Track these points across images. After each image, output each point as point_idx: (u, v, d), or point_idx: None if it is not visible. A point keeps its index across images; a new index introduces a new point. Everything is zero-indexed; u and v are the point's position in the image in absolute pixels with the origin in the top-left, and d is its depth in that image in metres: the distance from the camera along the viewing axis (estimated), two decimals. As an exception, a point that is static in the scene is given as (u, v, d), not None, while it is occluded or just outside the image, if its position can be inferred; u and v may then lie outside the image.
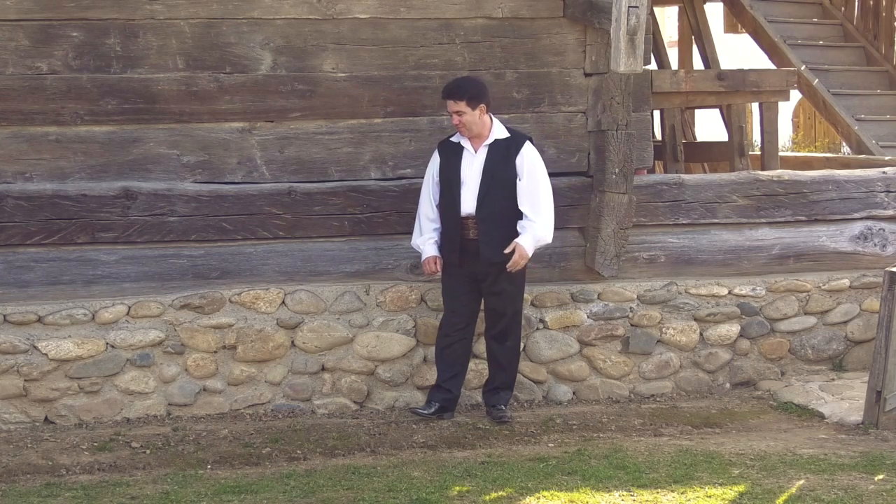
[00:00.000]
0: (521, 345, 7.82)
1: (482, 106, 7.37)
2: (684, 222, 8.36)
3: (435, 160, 7.55)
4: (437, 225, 7.53)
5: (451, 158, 7.49)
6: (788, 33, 11.32)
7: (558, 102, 8.11)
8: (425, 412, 7.53)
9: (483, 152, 7.44)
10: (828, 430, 7.41)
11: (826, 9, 11.81)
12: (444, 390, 7.58)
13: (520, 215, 7.42)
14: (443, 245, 7.51)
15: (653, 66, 10.54)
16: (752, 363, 8.46)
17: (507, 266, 7.37)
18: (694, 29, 12.33)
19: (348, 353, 7.82)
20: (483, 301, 7.60)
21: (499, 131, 7.47)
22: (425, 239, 7.54)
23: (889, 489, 6.18)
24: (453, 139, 7.53)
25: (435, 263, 7.50)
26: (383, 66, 7.83)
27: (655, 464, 6.65)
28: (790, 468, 6.57)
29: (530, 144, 7.50)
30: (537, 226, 7.40)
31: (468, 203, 7.41)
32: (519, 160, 7.41)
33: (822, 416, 7.67)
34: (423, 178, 7.87)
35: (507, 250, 7.37)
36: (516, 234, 7.40)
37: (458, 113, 7.35)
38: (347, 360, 7.80)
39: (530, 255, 7.43)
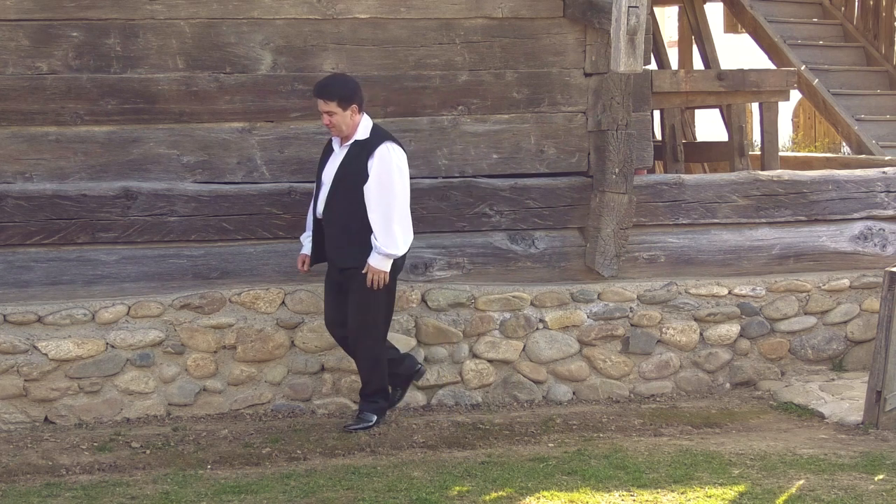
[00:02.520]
0: (379, 356, 7.35)
1: (354, 106, 7.12)
2: (684, 222, 8.36)
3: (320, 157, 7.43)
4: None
5: (323, 159, 7.32)
6: (788, 33, 11.33)
7: (558, 102, 8.11)
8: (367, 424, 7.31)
9: (343, 153, 7.21)
10: (828, 430, 7.41)
11: (826, 9, 11.82)
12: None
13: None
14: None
15: (653, 66, 10.55)
16: (752, 363, 8.47)
17: (367, 284, 7.14)
18: (694, 29, 12.34)
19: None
20: None
21: (362, 132, 7.19)
22: (303, 237, 7.46)
23: (889, 489, 6.18)
24: (333, 139, 7.35)
25: (303, 263, 7.41)
26: (383, 66, 7.84)
27: (655, 464, 6.65)
28: (790, 468, 6.57)
29: (388, 146, 7.12)
30: (380, 244, 7.09)
31: (320, 204, 7.25)
32: (370, 162, 7.09)
33: (822, 416, 7.67)
34: (423, 177, 7.89)
35: (364, 270, 7.12)
36: (365, 239, 7.13)
37: (329, 113, 7.10)
38: (347, 360, 7.78)
39: (386, 269, 7.13)
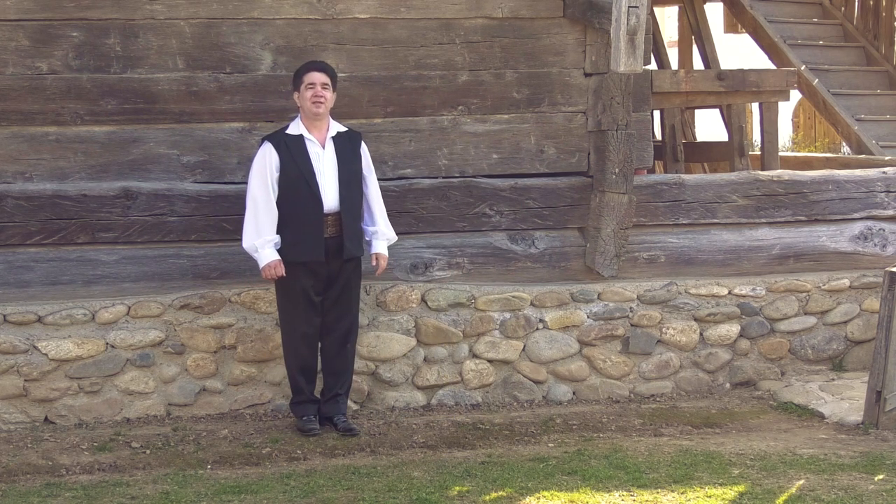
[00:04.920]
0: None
1: (334, 94, 7.27)
2: (684, 222, 8.36)
3: (271, 155, 7.10)
4: (275, 225, 7.10)
5: (295, 152, 7.12)
6: (788, 33, 11.34)
7: (558, 102, 8.11)
8: (316, 430, 7.24)
9: (331, 145, 7.19)
10: (828, 430, 7.41)
11: (826, 9, 11.82)
12: (315, 401, 7.40)
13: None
14: (300, 245, 7.09)
15: (653, 66, 10.56)
16: (752, 363, 8.47)
17: (377, 273, 7.34)
18: (694, 29, 12.34)
19: (348, 353, 7.81)
20: (326, 303, 7.27)
21: (336, 125, 7.29)
22: (264, 242, 7.08)
23: (889, 489, 6.19)
24: (290, 131, 7.19)
25: (280, 267, 7.08)
26: (383, 66, 7.84)
27: (655, 464, 6.65)
28: (790, 468, 6.57)
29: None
30: (388, 232, 7.35)
31: (331, 199, 7.11)
32: (363, 153, 7.29)
33: (822, 416, 7.67)
34: (423, 177, 7.89)
35: (373, 263, 7.29)
36: (361, 228, 7.30)
37: (325, 86, 7.15)
38: (347, 360, 7.80)
39: None
